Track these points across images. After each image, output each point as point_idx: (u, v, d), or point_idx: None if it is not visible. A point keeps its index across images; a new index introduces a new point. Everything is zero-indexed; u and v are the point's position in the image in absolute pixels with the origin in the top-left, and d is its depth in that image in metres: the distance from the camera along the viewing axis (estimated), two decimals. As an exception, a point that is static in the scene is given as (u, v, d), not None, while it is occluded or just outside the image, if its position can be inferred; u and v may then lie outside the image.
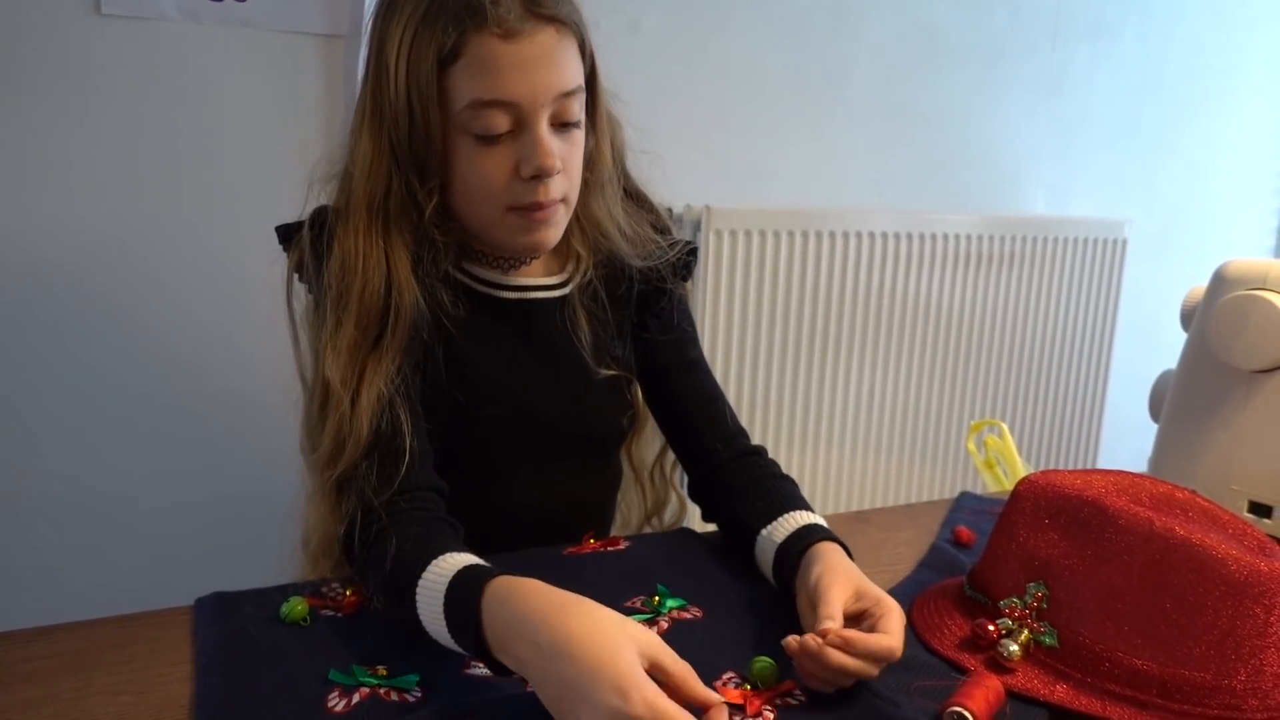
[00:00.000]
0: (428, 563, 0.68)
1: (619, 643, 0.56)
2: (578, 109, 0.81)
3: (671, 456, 1.01)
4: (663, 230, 0.96)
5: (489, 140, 0.78)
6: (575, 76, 0.80)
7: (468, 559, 0.68)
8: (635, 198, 0.96)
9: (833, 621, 0.65)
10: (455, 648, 0.65)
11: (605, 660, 0.55)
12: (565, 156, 0.81)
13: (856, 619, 0.68)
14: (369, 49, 0.81)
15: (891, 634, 0.65)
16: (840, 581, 0.70)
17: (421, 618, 0.67)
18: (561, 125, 0.80)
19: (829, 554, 0.75)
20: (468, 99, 0.77)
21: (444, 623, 0.64)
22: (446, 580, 0.65)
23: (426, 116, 0.77)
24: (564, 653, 0.56)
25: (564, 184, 0.82)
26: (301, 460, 0.88)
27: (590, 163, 0.87)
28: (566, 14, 0.79)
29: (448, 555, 0.68)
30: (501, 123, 0.78)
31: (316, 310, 0.84)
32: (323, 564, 0.85)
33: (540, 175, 0.79)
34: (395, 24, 0.77)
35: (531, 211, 0.81)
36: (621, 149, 0.92)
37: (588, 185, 0.88)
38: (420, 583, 0.67)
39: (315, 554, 0.85)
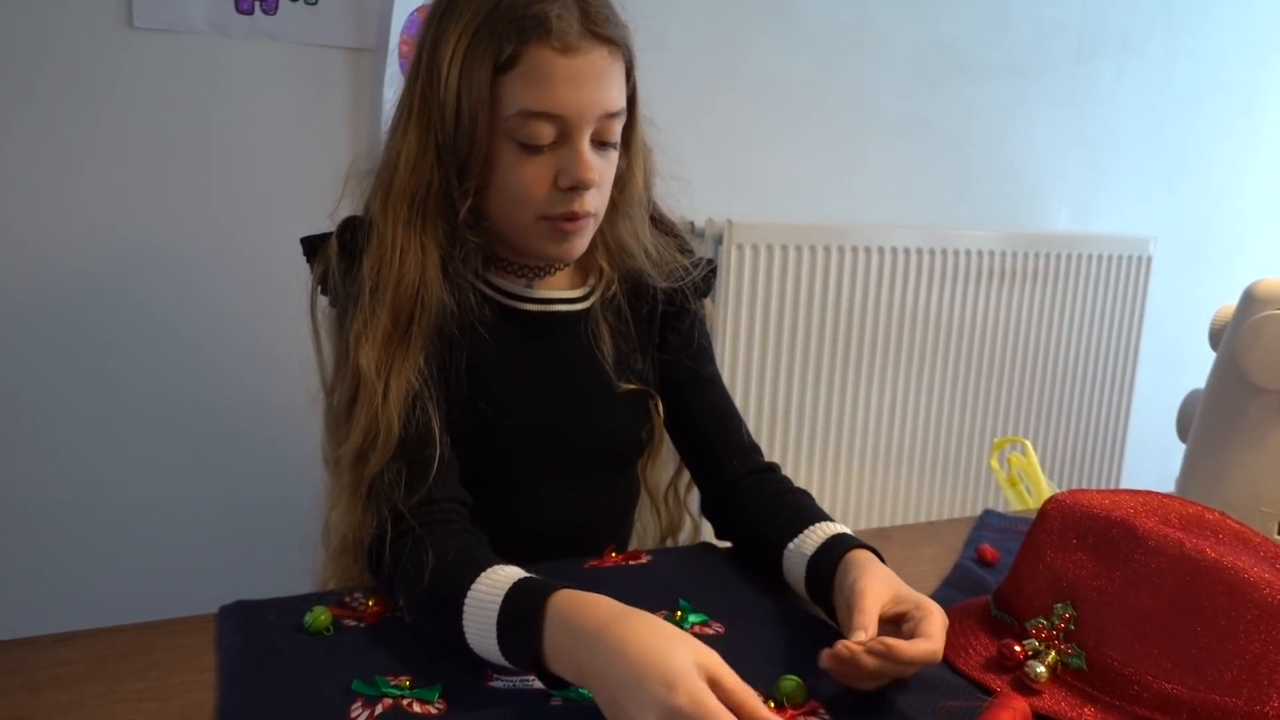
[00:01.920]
0: (476, 575, 0.68)
1: (674, 646, 0.57)
2: (617, 130, 0.84)
3: (686, 478, 1.01)
4: (687, 252, 0.97)
5: (532, 149, 0.80)
6: (620, 99, 0.82)
7: (518, 572, 0.68)
8: (661, 223, 0.97)
9: (865, 632, 0.65)
10: (499, 660, 0.66)
11: (657, 658, 0.56)
12: (600, 173, 0.82)
13: (896, 623, 0.69)
14: (419, 48, 0.83)
15: (932, 637, 0.65)
16: (876, 587, 0.70)
17: (466, 629, 0.67)
18: (600, 144, 0.82)
19: (864, 561, 0.75)
20: (517, 107, 0.78)
21: (494, 635, 0.65)
22: (502, 592, 0.66)
23: (475, 118, 0.79)
24: (619, 654, 0.57)
25: (597, 199, 0.84)
26: (323, 467, 0.88)
27: (620, 185, 0.89)
28: (620, 37, 0.81)
29: (496, 568, 0.69)
30: (546, 133, 0.79)
31: (341, 318, 0.85)
32: (343, 563, 0.85)
33: (578, 187, 0.81)
34: (453, 26, 0.79)
35: (564, 221, 0.83)
36: (651, 175, 0.93)
37: (615, 206, 0.89)
38: (469, 595, 0.67)
39: (336, 553, 0.85)
